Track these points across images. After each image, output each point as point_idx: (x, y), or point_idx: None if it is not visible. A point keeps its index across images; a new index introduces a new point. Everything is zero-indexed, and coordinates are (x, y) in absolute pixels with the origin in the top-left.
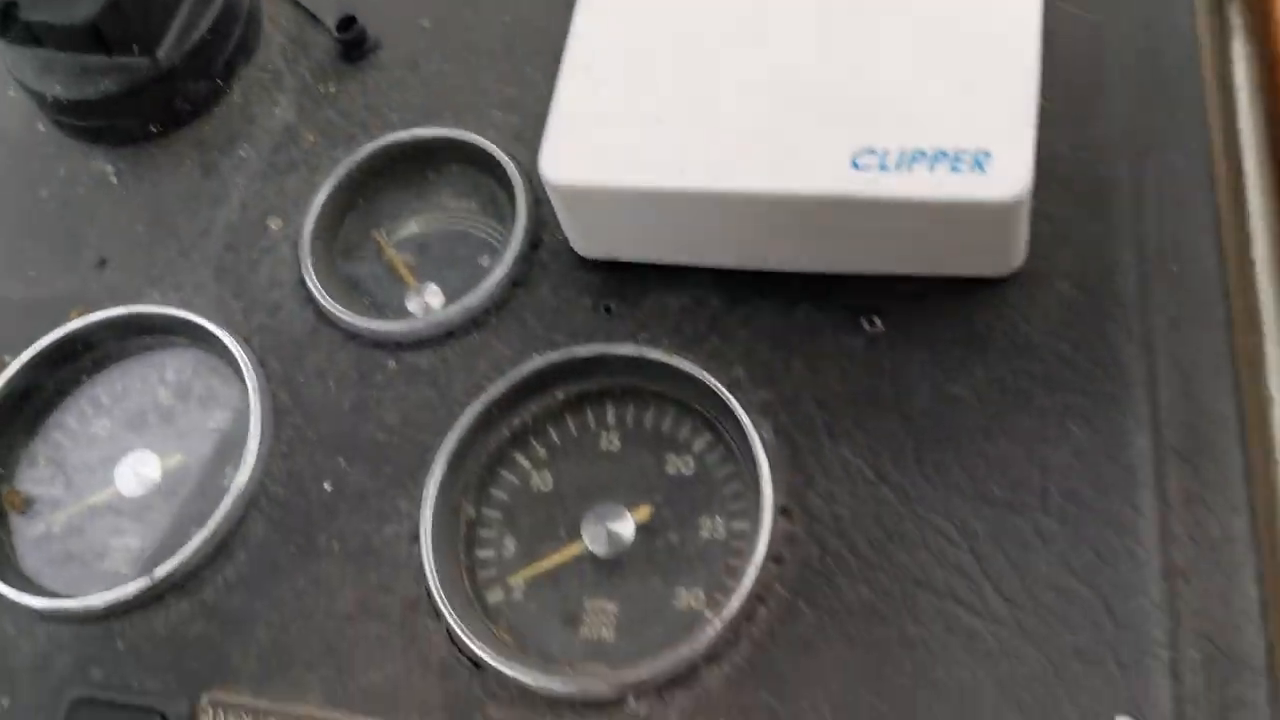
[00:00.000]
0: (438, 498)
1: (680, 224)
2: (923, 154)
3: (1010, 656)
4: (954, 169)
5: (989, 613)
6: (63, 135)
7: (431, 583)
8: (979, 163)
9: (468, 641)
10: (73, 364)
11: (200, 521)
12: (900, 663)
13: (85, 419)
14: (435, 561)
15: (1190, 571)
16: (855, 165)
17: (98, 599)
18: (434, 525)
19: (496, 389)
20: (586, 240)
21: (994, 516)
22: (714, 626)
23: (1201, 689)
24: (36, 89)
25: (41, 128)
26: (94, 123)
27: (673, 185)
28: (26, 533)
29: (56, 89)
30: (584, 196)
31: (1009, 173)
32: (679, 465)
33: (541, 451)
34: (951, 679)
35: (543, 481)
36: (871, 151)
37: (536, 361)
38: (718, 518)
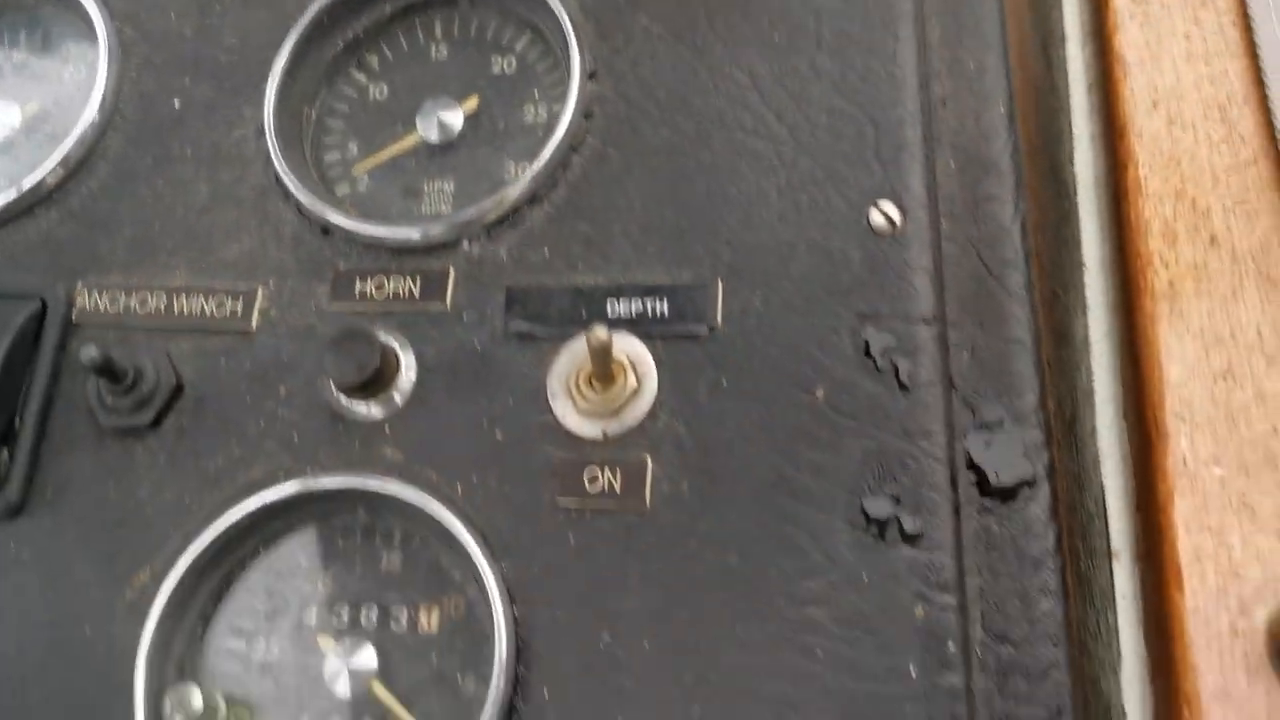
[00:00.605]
0: (278, 98)
1: None
2: None
3: (789, 167)
4: None
5: (771, 136)
6: None
7: (279, 168)
8: None
9: (316, 211)
10: None
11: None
12: (698, 185)
13: None
14: (281, 151)
15: (948, 98)
16: None
17: None
18: (277, 121)
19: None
20: None
21: (776, 59)
22: (533, 171)
23: (955, 187)
24: None
25: None
26: None
27: None
28: None
29: None
30: None
31: None
32: (503, 65)
33: (374, 62)
34: (741, 192)
35: (379, 91)
36: None
37: None
38: (539, 103)
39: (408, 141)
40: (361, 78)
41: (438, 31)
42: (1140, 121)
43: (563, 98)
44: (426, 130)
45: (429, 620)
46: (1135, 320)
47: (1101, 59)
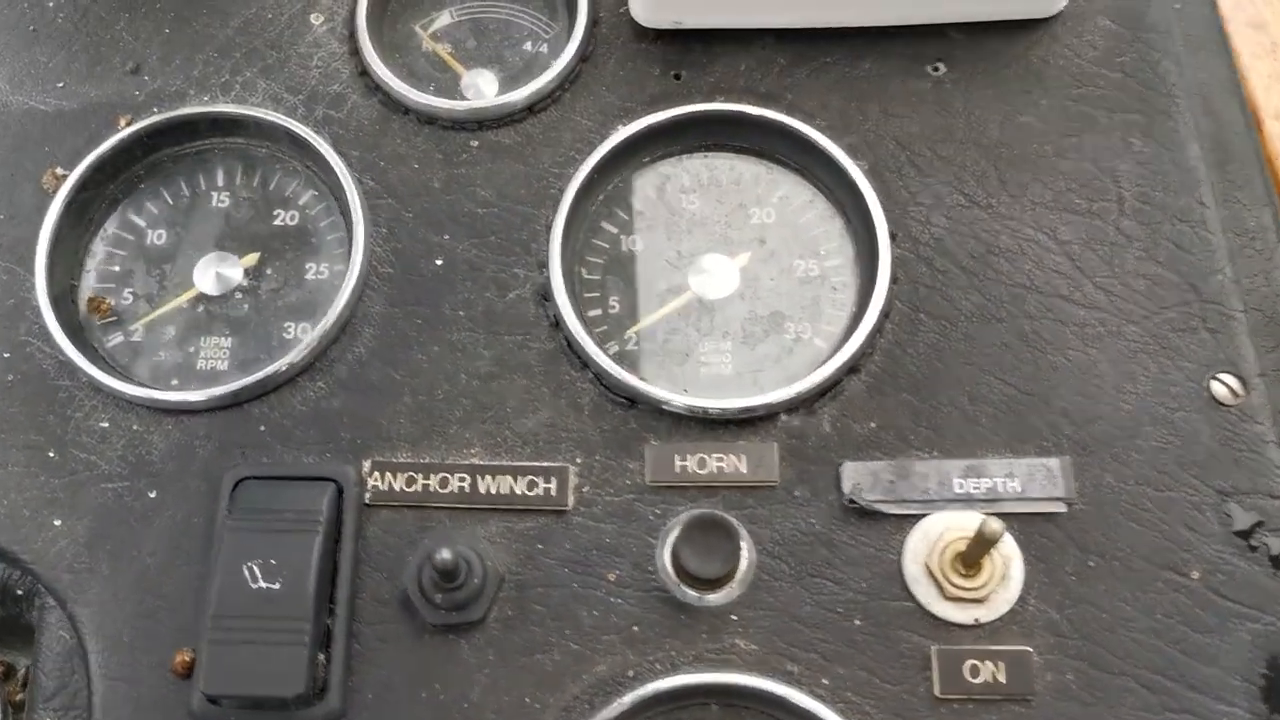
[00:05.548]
0: (562, 260)
1: None
2: None
3: (1116, 336)
4: None
5: (1091, 303)
6: None
7: (575, 334)
8: None
9: (621, 380)
10: (128, 170)
11: (293, 314)
12: (1021, 353)
13: (153, 222)
14: (575, 316)
15: (1235, 256)
16: None
17: (229, 386)
18: (565, 285)
19: (596, 156)
20: (656, 10)
21: (1080, 223)
22: (855, 341)
23: (1263, 350)
24: None
25: None
26: None
27: None
28: (112, 338)
29: None
30: None
31: None
32: (762, 216)
33: (625, 216)
34: (1070, 362)
35: (631, 243)
36: None
37: (629, 129)
38: (811, 258)
39: (681, 300)
40: (613, 229)
41: (685, 181)
42: None
43: (838, 253)
44: (702, 287)
45: None
46: None
47: None
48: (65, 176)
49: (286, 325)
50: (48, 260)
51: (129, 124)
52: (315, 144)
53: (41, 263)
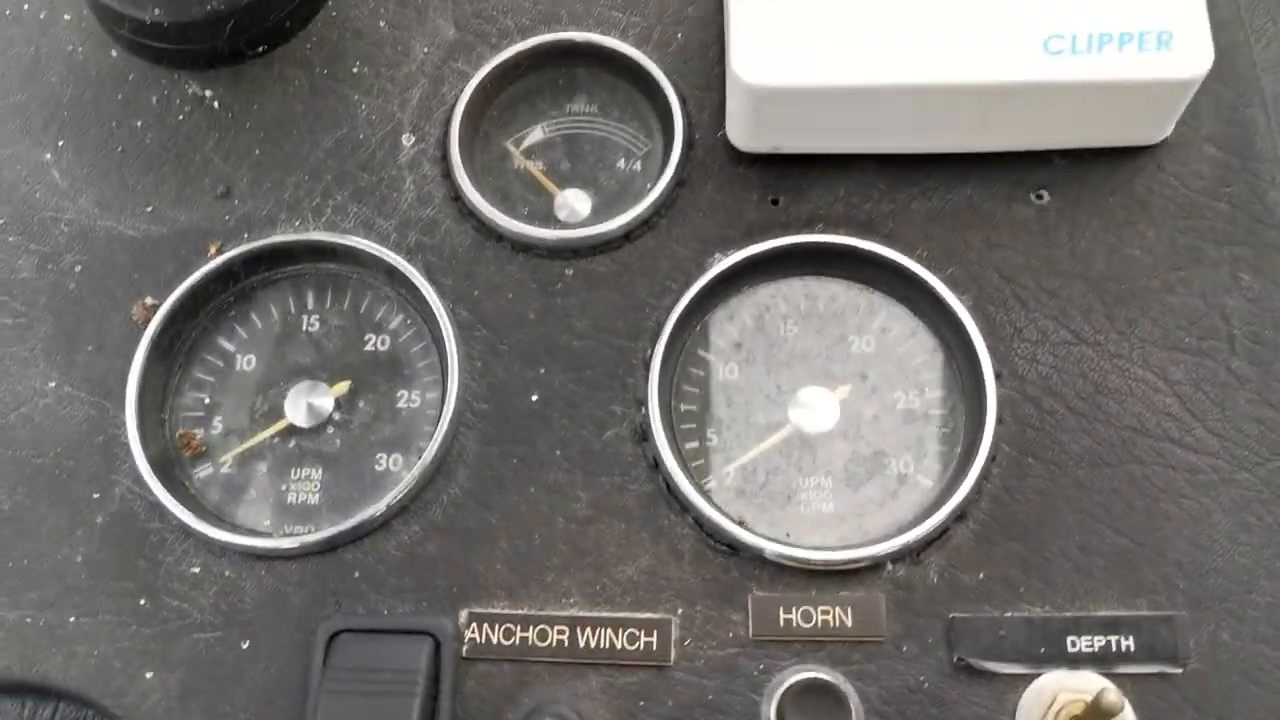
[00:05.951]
0: (660, 398)
1: (865, 116)
2: (1109, 36)
3: (1229, 484)
4: (1141, 49)
5: (1203, 448)
6: (142, 62)
7: (675, 477)
8: (1163, 42)
9: (723, 526)
10: (218, 298)
11: (385, 446)
12: (1133, 501)
13: (242, 347)
14: (674, 458)
15: None
16: (1046, 50)
17: (324, 533)
18: (663, 424)
19: (694, 288)
20: (754, 136)
21: (1190, 363)
22: (964, 486)
23: None
24: (131, 13)
25: (115, 54)
26: (193, 46)
27: (872, 81)
28: (202, 469)
29: (155, 12)
30: (778, 97)
31: (1193, 50)
32: (862, 344)
33: (722, 345)
34: (1182, 510)
35: (728, 371)
36: (1060, 36)
37: (727, 260)
38: (913, 390)
39: (782, 434)
40: (710, 357)
41: (783, 306)
42: None
43: (937, 384)
44: (806, 421)
45: None
46: None
47: None
48: (156, 307)
49: (379, 457)
50: (137, 396)
51: (219, 251)
52: (408, 274)
53: (132, 399)
